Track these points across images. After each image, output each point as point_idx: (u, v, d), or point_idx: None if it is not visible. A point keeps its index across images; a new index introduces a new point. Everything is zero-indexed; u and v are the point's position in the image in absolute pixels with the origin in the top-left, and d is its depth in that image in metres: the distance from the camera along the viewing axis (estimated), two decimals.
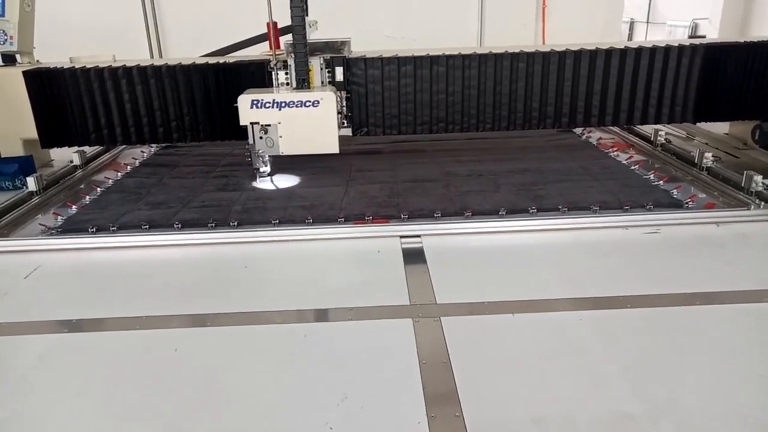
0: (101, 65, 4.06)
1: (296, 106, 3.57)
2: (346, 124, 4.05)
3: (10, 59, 4.26)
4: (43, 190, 3.83)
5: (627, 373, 2.05)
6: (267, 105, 3.56)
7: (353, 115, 4.03)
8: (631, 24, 12.03)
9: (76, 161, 4.36)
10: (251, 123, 3.60)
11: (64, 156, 4.46)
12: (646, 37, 11.40)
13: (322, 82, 3.85)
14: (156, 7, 6.62)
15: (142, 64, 4.07)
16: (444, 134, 4.23)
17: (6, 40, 4.12)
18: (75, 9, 6.32)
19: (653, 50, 3.98)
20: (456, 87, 4.00)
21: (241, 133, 3.74)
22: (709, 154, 3.86)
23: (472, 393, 1.96)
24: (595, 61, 3.99)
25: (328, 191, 3.77)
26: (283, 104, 3.56)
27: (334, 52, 3.83)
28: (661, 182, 3.72)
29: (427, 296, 2.56)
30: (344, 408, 1.91)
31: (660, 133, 4.48)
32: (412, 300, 2.53)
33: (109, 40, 5.78)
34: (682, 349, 2.20)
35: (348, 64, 3.87)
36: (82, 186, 4.07)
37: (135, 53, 5.24)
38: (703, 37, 8.95)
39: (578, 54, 3.96)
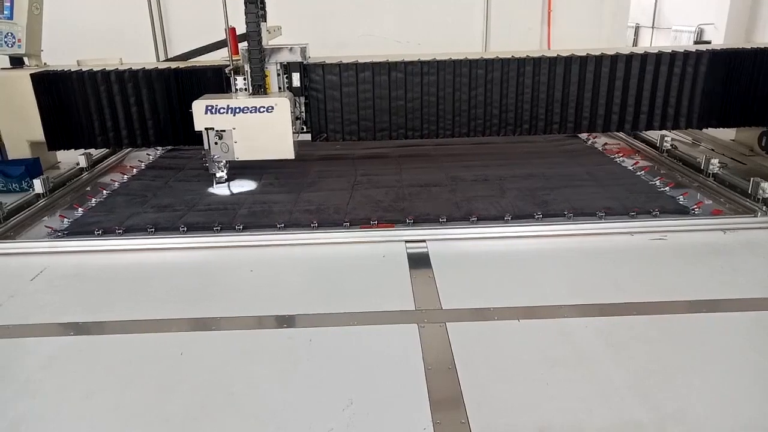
0: (108, 68, 4.08)
1: (250, 112, 3.59)
2: (305, 130, 4.05)
3: (18, 62, 4.29)
4: (49, 192, 3.84)
5: (633, 380, 2.04)
6: (221, 111, 3.58)
7: (312, 120, 4.02)
8: (637, 29, 12.03)
9: (83, 164, 4.37)
10: (206, 128, 3.61)
11: (71, 158, 4.47)
12: (651, 42, 11.39)
13: (280, 88, 3.85)
14: (162, 10, 6.65)
15: (148, 67, 4.09)
16: (449, 139, 4.23)
17: (14, 42, 4.15)
18: (83, 12, 6.35)
19: (659, 56, 3.98)
20: (414, 93, 3.99)
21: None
22: (715, 161, 3.84)
23: (477, 399, 1.95)
24: (563, 68, 3.97)
25: (334, 195, 3.77)
26: (237, 110, 3.58)
27: (292, 57, 3.82)
28: (667, 188, 3.71)
29: (432, 302, 2.55)
30: (349, 413, 1.91)
31: (666, 138, 4.47)
32: (418, 305, 2.53)
33: (116, 43, 5.80)
34: (689, 357, 2.19)
35: (306, 69, 3.88)
36: (88, 188, 4.08)
37: (142, 56, 5.25)
38: (709, 42, 8.94)
39: (537, 61, 3.94)
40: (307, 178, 4.16)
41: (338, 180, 4.08)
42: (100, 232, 3.29)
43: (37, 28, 4.29)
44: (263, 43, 3.66)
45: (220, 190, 3.94)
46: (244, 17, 3.54)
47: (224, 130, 3.62)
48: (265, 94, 3.73)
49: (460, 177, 4.06)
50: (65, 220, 3.49)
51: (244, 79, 3.70)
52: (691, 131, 4.72)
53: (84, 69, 4.08)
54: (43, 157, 4.28)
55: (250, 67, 3.66)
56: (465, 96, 4.00)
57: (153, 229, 3.31)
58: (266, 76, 3.74)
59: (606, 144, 4.86)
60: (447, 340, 2.27)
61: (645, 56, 3.98)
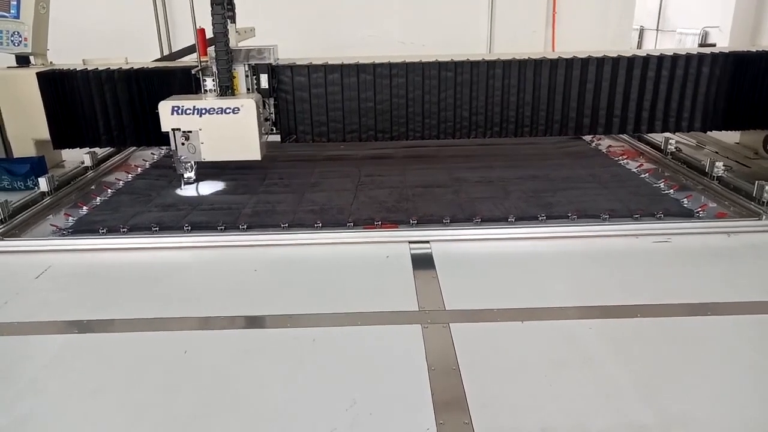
0: (113, 67, 4.09)
1: (217, 113, 3.59)
2: (275, 131, 4.04)
3: (24, 61, 4.30)
4: (54, 190, 3.85)
5: (637, 383, 2.04)
6: (188, 111, 3.58)
7: (281, 122, 4.02)
8: (641, 31, 12.01)
9: (88, 162, 4.38)
10: (172, 129, 3.61)
11: (76, 157, 4.49)
12: (655, 44, 11.37)
13: (248, 89, 3.86)
14: (168, 10, 6.67)
15: (153, 66, 4.10)
16: (454, 140, 4.22)
17: (21, 41, 4.16)
18: (89, 12, 6.38)
19: (663, 58, 3.97)
20: (384, 95, 3.98)
21: None
22: (720, 163, 3.83)
23: (481, 400, 1.95)
24: (533, 71, 3.95)
25: (338, 195, 3.78)
26: (203, 111, 3.59)
27: (259, 59, 3.82)
28: (672, 191, 3.70)
29: (436, 302, 2.55)
30: (352, 413, 1.91)
31: (670, 141, 4.46)
32: (421, 306, 2.53)
33: (122, 42, 5.82)
34: (693, 360, 2.19)
35: (274, 71, 3.88)
36: (93, 187, 4.09)
37: (147, 56, 5.27)
38: (714, 45, 8.91)
39: (507, 64, 3.93)
40: (311, 178, 4.16)
41: (342, 180, 4.09)
42: (105, 230, 3.30)
43: (44, 27, 4.30)
44: (232, 45, 3.67)
45: (187, 191, 3.93)
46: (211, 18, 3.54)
47: (191, 131, 3.62)
48: (233, 95, 3.74)
49: (464, 178, 4.06)
50: (70, 218, 3.50)
51: (214, 80, 3.71)
52: (696, 134, 4.71)
53: (89, 68, 4.10)
54: (48, 156, 4.29)
55: (217, 68, 3.66)
56: (434, 98, 3.99)
57: (157, 228, 3.31)
58: (234, 77, 3.75)
59: (610, 146, 4.85)
60: (450, 341, 2.27)
61: (617, 59, 3.95)
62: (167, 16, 6.67)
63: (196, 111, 3.58)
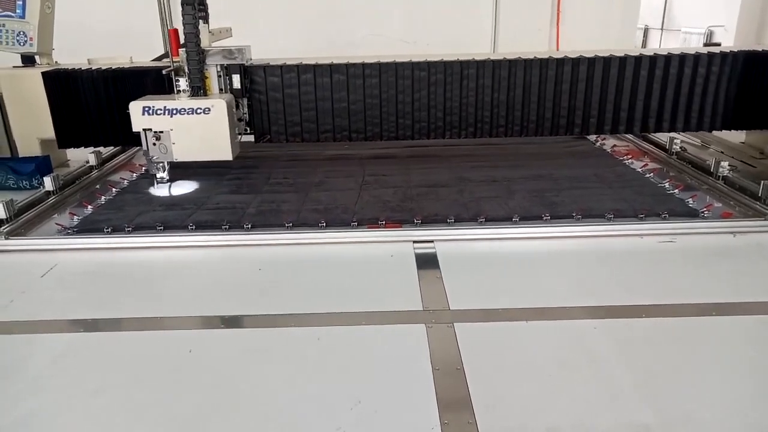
0: (117, 66, 4.10)
1: (188, 114, 3.59)
2: (248, 131, 4.04)
3: (29, 60, 4.32)
4: (59, 189, 3.86)
5: (641, 383, 2.04)
6: (159, 112, 3.58)
7: (255, 122, 4.01)
8: (646, 30, 11.97)
9: (92, 161, 4.39)
10: (144, 129, 3.61)
11: (81, 156, 4.50)
12: (660, 44, 11.33)
13: (221, 90, 3.86)
14: (172, 9, 6.68)
15: (155, 65, 4.10)
16: (458, 140, 4.22)
17: (26, 41, 4.18)
18: (94, 12, 6.40)
19: (669, 57, 3.95)
20: (357, 96, 3.98)
21: None
22: (725, 163, 3.81)
23: (485, 400, 1.95)
24: (507, 71, 3.94)
25: (342, 195, 3.78)
26: (174, 111, 3.58)
27: (231, 59, 3.82)
28: (677, 191, 3.69)
29: (440, 302, 2.55)
30: (357, 413, 1.92)
31: (675, 141, 4.45)
32: (425, 305, 2.53)
33: (127, 41, 5.83)
34: (697, 360, 2.18)
35: (247, 71, 3.88)
36: (97, 186, 4.11)
37: (152, 55, 5.28)
38: (719, 44, 8.86)
39: (481, 64, 3.91)
40: (316, 177, 4.16)
41: (346, 180, 4.09)
42: (110, 229, 3.31)
43: (49, 27, 4.31)
44: (204, 45, 3.68)
45: (160, 191, 3.93)
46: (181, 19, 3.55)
47: (162, 131, 3.62)
48: (205, 95, 3.74)
49: (468, 178, 4.05)
50: (75, 217, 3.51)
51: (186, 80, 3.71)
52: (701, 134, 4.69)
53: (94, 67, 4.11)
54: (53, 155, 4.30)
55: (188, 69, 3.66)
56: (408, 98, 3.99)
57: (162, 227, 3.32)
58: (206, 77, 3.75)
59: (615, 146, 4.84)
60: (455, 341, 2.27)
61: (594, 59, 3.91)
62: (172, 15, 6.68)
63: (167, 111, 3.58)
